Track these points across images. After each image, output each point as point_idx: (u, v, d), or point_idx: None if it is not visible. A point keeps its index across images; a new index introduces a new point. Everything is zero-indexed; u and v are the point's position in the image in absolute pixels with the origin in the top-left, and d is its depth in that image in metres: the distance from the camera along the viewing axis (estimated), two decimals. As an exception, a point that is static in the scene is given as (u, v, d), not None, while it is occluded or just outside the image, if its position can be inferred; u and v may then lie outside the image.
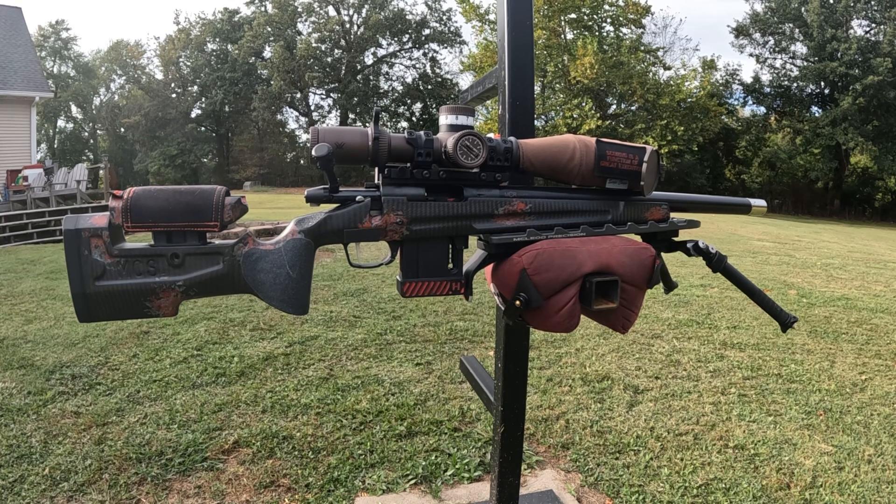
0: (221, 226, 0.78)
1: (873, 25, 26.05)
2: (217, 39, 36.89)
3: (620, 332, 0.96)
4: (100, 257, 0.75)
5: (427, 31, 36.70)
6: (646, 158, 0.91)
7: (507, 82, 1.18)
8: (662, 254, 1.00)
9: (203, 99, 36.93)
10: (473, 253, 0.96)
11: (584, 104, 25.62)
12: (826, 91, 27.46)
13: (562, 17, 26.91)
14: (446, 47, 37.61)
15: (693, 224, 1.02)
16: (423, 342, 3.23)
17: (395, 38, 36.94)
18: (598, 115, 25.50)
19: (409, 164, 0.87)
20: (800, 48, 28.06)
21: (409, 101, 37.92)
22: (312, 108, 37.73)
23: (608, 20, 27.49)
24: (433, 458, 1.95)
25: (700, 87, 27.07)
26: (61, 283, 4.92)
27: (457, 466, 1.89)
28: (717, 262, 0.98)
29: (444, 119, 0.91)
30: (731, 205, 1.12)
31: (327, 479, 1.82)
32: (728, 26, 40.32)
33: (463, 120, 0.90)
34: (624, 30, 27.63)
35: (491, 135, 0.91)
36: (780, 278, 5.61)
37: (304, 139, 35.64)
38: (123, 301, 0.76)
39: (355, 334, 3.35)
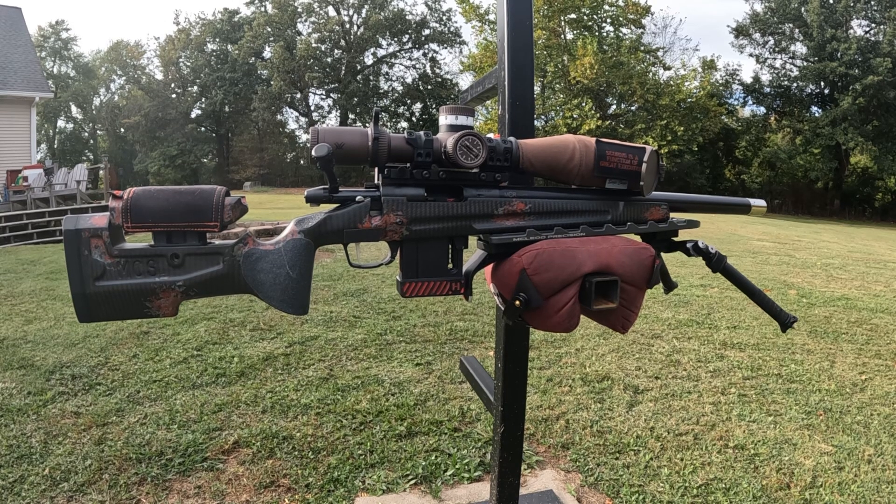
0: (221, 226, 0.78)
1: (873, 25, 26.05)
2: (217, 40, 36.89)
3: (620, 332, 0.97)
4: (100, 257, 0.75)
5: (427, 32, 36.72)
6: (645, 158, 0.91)
7: (506, 82, 1.18)
8: (662, 254, 1.00)
9: (203, 99, 36.93)
10: (473, 253, 0.96)
11: (583, 104, 25.62)
12: (826, 91, 27.46)
13: (562, 18, 26.91)
14: (446, 47, 37.64)
15: (693, 224, 1.02)
16: (423, 342, 3.23)
17: (395, 39, 36.95)
18: (598, 115, 25.50)
19: (408, 165, 0.87)
20: (800, 48, 28.08)
21: (409, 102, 37.92)
22: (312, 108, 37.77)
23: (608, 20, 27.50)
24: (433, 458, 1.95)
25: (700, 88, 27.07)
26: (61, 284, 4.92)
27: (457, 466, 1.89)
28: (716, 262, 0.99)
29: (444, 119, 0.91)
30: (731, 205, 1.12)
31: (327, 479, 1.82)
32: (728, 26, 40.35)
33: (463, 120, 0.90)
34: (624, 30, 27.65)
35: (491, 135, 0.91)
36: (780, 278, 5.61)
37: (304, 139, 35.66)
38: (123, 301, 0.76)
39: (355, 334, 3.36)
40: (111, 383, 2.58)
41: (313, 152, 0.78)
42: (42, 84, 15.12)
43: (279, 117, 37.50)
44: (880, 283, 5.54)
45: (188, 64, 37.46)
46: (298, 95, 36.69)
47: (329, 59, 36.05)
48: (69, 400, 2.40)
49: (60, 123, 41.39)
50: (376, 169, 0.89)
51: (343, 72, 35.43)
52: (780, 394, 2.60)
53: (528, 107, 1.20)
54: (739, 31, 29.11)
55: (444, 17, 36.62)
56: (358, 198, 0.85)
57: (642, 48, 27.37)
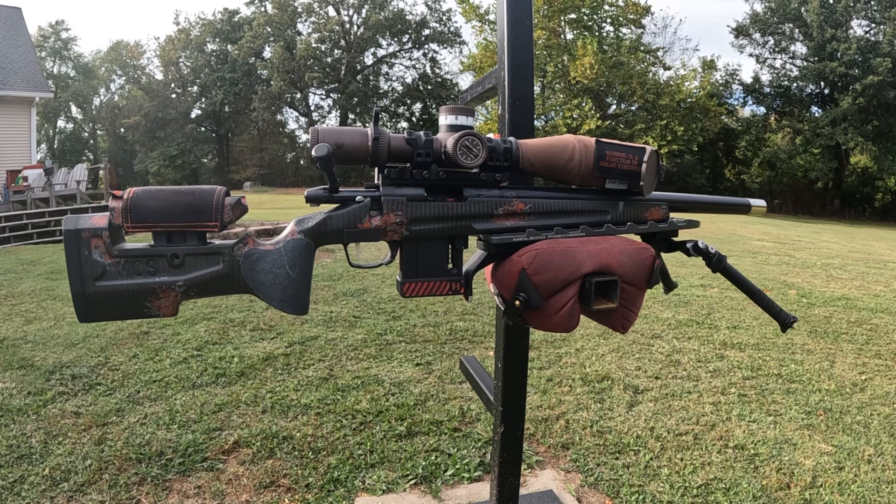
0: (221, 226, 0.78)
1: (873, 25, 26.05)
2: (217, 40, 36.89)
3: (620, 332, 0.97)
4: (100, 257, 0.75)
5: (427, 32, 36.71)
6: (645, 158, 0.91)
7: (506, 82, 1.18)
8: (662, 254, 1.00)
9: (203, 99, 36.93)
10: (473, 253, 0.96)
11: (583, 104, 25.62)
12: (826, 91, 27.46)
13: (562, 17, 26.91)
14: (446, 47, 37.63)
15: (693, 224, 1.02)
16: (423, 342, 3.23)
17: (395, 39, 36.94)
18: (598, 115, 25.50)
19: (408, 165, 0.87)
20: (800, 48, 28.08)
21: (408, 102, 37.92)
22: (312, 108, 37.76)
23: (608, 20, 27.49)
24: (433, 458, 1.95)
25: (700, 88, 27.07)
26: (61, 284, 4.92)
27: (457, 466, 1.89)
28: (716, 262, 0.99)
29: (444, 119, 0.91)
30: (731, 205, 1.12)
31: (327, 479, 1.82)
32: (728, 26, 40.34)
33: (462, 120, 0.90)
34: (624, 30, 27.64)
35: (491, 135, 0.91)
36: (780, 278, 5.61)
37: (304, 139, 35.66)
38: (123, 301, 0.76)
39: (355, 334, 3.36)
40: (111, 383, 2.58)
41: (313, 152, 0.78)
42: (42, 84, 15.12)
43: (279, 117, 37.51)
44: (880, 283, 5.54)
45: (188, 64, 37.46)
46: (298, 95, 36.69)
47: (329, 59, 36.05)
48: (69, 400, 2.40)
49: (60, 123, 41.43)
50: (376, 169, 0.89)
51: (343, 72, 35.43)
52: (780, 394, 2.60)
53: (528, 107, 1.20)
54: (739, 31, 29.11)
55: (444, 17, 36.65)
56: (358, 198, 0.85)
57: (642, 48, 27.37)
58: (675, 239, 1.01)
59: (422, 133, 0.86)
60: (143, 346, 3.10)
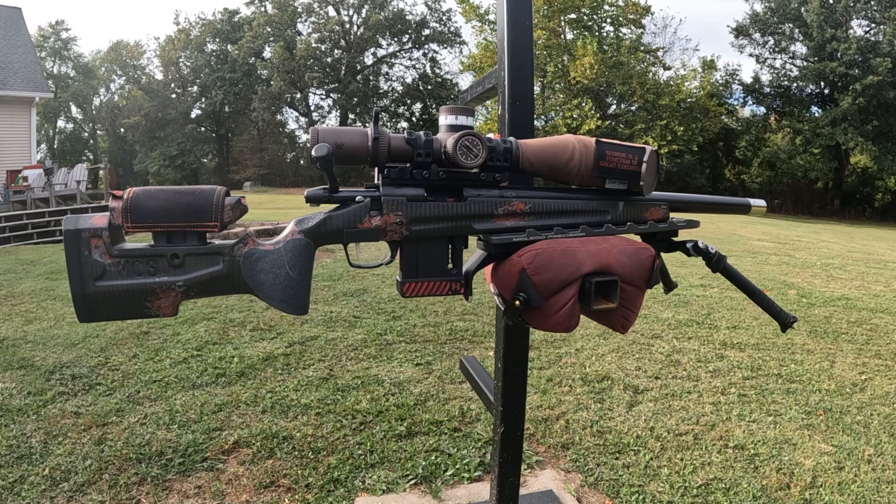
0: (221, 226, 0.78)
1: (873, 25, 26.05)
2: (217, 40, 36.89)
3: (620, 332, 0.97)
4: (100, 257, 0.75)
5: (427, 32, 36.71)
6: (645, 158, 0.91)
7: (506, 82, 1.18)
8: (662, 254, 1.00)
9: (203, 99, 36.93)
10: (473, 253, 0.96)
11: (583, 104, 25.62)
12: (826, 91, 27.47)
13: (562, 18, 26.91)
14: (446, 47, 37.63)
15: (693, 224, 1.02)
16: (423, 342, 3.23)
17: (395, 39, 36.94)
18: (598, 115, 25.50)
19: (408, 165, 0.87)
20: (800, 48, 28.08)
21: (408, 102, 37.92)
22: (312, 108, 37.76)
23: (608, 20, 27.49)
24: (433, 458, 1.95)
25: (700, 88, 27.08)
26: (61, 284, 4.92)
27: (457, 466, 1.89)
28: (716, 262, 0.99)
29: (444, 119, 0.91)
30: (731, 205, 1.12)
31: (327, 479, 1.82)
32: (728, 26, 40.34)
33: (462, 120, 0.90)
34: (624, 30, 27.65)
35: (490, 135, 0.91)
36: (780, 278, 5.61)
37: (304, 139, 35.66)
38: (123, 301, 0.76)
39: (355, 334, 3.36)
40: (111, 383, 2.58)
41: (313, 152, 0.78)
42: (42, 84, 15.12)
43: (279, 117, 37.51)
44: (880, 283, 5.54)
45: (188, 64, 37.46)
46: (298, 95, 36.69)
47: (329, 59, 36.05)
48: (69, 400, 2.40)
49: (60, 123, 41.43)
50: (376, 169, 0.89)
51: (343, 72, 35.43)
52: (780, 394, 2.60)
53: (528, 107, 1.20)
54: (739, 31, 29.11)
55: (444, 17, 36.65)
56: (358, 198, 0.85)
57: (642, 48, 27.38)
58: (675, 239, 1.01)
59: (422, 133, 0.86)
60: (143, 346, 3.10)
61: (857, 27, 26.36)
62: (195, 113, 37.35)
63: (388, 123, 36.74)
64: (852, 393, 2.64)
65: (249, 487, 1.78)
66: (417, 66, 37.80)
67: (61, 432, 2.10)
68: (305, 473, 1.85)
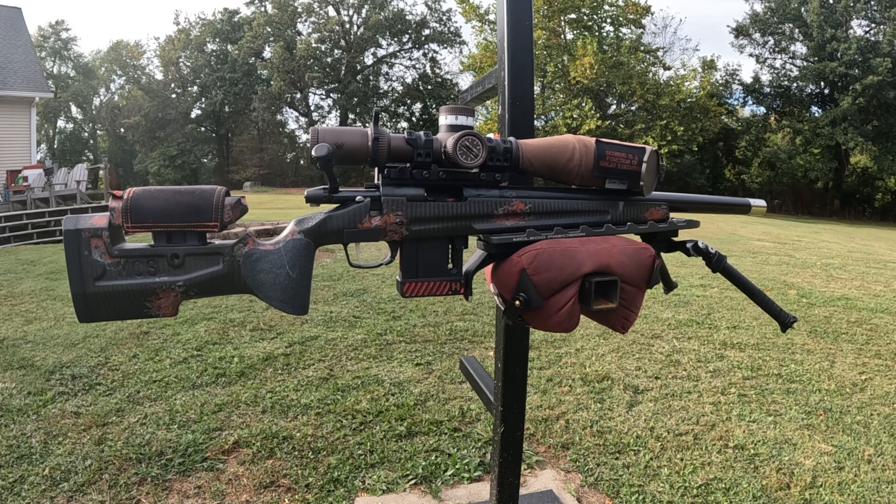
0: (221, 226, 0.78)
1: (873, 25, 26.05)
2: (217, 40, 36.89)
3: (620, 332, 0.97)
4: (100, 257, 0.75)
5: (427, 32, 36.71)
6: (645, 159, 0.91)
7: (506, 82, 1.18)
8: (662, 254, 1.00)
9: (203, 99, 36.93)
10: (473, 253, 0.96)
11: (583, 104, 25.62)
12: (826, 91, 27.47)
13: (562, 17, 26.91)
14: (446, 47, 37.62)
15: (693, 224, 1.02)
16: (423, 342, 3.23)
17: (395, 39, 36.94)
18: (598, 115, 25.50)
19: (408, 165, 0.87)
20: (800, 48, 28.08)
21: (408, 102, 37.92)
22: (312, 108, 37.76)
23: (608, 20, 27.50)
24: (433, 458, 1.95)
25: (700, 88, 27.08)
26: (61, 284, 4.92)
27: (457, 466, 1.89)
28: (716, 262, 0.99)
29: (444, 119, 0.91)
30: (731, 205, 1.12)
31: (327, 479, 1.82)
32: (728, 26, 40.33)
33: (462, 120, 0.90)
34: (624, 30, 27.65)
35: (490, 135, 0.91)
36: (780, 278, 5.61)
37: (304, 139, 35.66)
38: (123, 301, 0.76)
39: (355, 334, 3.36)
40: (111, 383, 2.58)
41: (313, 152, 0.78)
42: (42, 84, 15.12)
43: (279, 117, 37.52)
44: (880, 283, 5.54)
45: (188, 64, 37.46)
46: (298, 95, 36.69)
47: (329, 59, 36.05)
48: (69, 400, 2.40)
49: (60, 123, 41.44)
50: (376, 169, 0.89)
51: (343, 72, 35.43)
52: (780, 394, 2.60)
53: (528, 107, 1.20)
54: (739, 31, 29.11)
55: (444, 17, 36.66)
56: (358, 198, 0.85)
57: (642, 48, 27.38)
58: (675, 239, 1.01)
59: (422, 133, 0.86)
60: (143, 346, 3.10)
61: (857, 27, 26.39)
62: (195, 113, 37.36)
63: (388, 123, 36.74)
64: (852, 393, 2.64)
65: (249, 487, 1.79)
66: (417, 66, 37.84)
67: (61, 432, 2.10)
68: (305, 473, 1.85)
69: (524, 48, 1.18)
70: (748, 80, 30.16)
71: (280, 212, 14.24)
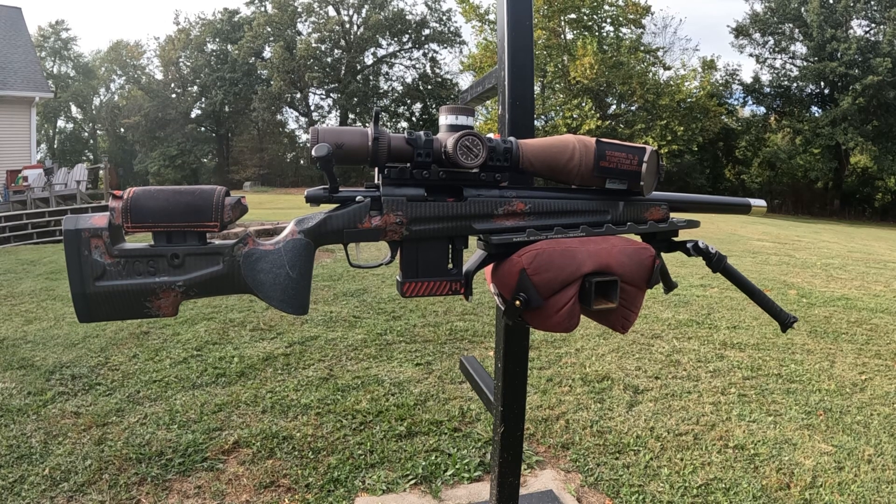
0: (221, 226, 0.78)
1: (873, 25, 26.05)
2: (217, 40, 36.89)
3: (620, 332, 0.97)
4: (100, 257, 0.75)
5: (427, 32, 36.71)
6: (645, 159, 0.91)
7: (506, 82, 1.18)
8: (662, 254, 1.00)
9: (203, 99, 36.93)
10: (473, 253, 0.96)
11: (583, 104, 25.62)
12: (826, 91, 27.46)
13: (562, 17, 26.91)
14: (446, 47, 37.63)
15: (693, 224, 1.02)
16: (423, 342, 3.23)
17: (395, 39, 36.94)
18: (598, 115, 25.50)
19: (408, 165, 0.87)
20: (800, 48, 28.08)
21: (408, 102, 37.92)
22: (312, 108, 37.76)
23: (608, 20, 27.49)
24: (433, 458, 1.95)
25: (700, 88, 27.07)
26: (61, 284, 4.92)
27: (457, 466, 1.89)
28: (716, 262, 0.99)
29: (444, 119, 0.91)
30: (731, 205, 1.12)
31: (327, 479, 1.82)
32: (728, 26, 40.32)
33: (463, 120, 0.90)
34: (624, 30, 27.64)
35: (491, 135, 0.91)
36: (780, 278, 5.61)
37: (304, 139, 35.66)
38: (123, 301, 0.76)
39: (355, 334, 3.36)
40: (111, 383, 2.58)
41: (313, 152, 0.78)
42: (42, 84, 15.12)
43: (279, 117, 37.51)
44: (880, 283, 5.54)
45: (188, 64, 37.46)
46: (298, 95, 36.69)
47: (329, 59, 36.04)
48: (69, 400, 2.40)
49: (60, 123, 41.43)
50: (376, 169, 0.89)
51: (343, 72, 35.43)
52: (780, 394, 2.60)
53: (528, 107, 1.20)
54: (739, 31, 29.10)
55: (444, 17, 36.65)
56: (358, 198, 0.85)
57: (642, 48, 27.37)
58: (675, 239, 1.01)
59: (422, 133, 0.86)
60: (143, 346, 3.10)
61: (857, 27, 26.39)
62: (195, 113, 37.35)
63: (388, 123, 36.74)
64: (852, 393, 2.64)
65: (249, 487, 1.79)
66: (417, 66, 37.83)
67: (61, 432, 2.10)
68: (305, 473, 1.85)
69: (524, 48, 1.18)
70: (748, 80, 30.20)
71: (280, 212, 14.24)
